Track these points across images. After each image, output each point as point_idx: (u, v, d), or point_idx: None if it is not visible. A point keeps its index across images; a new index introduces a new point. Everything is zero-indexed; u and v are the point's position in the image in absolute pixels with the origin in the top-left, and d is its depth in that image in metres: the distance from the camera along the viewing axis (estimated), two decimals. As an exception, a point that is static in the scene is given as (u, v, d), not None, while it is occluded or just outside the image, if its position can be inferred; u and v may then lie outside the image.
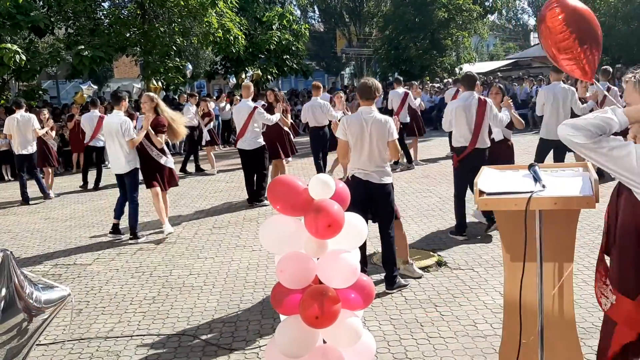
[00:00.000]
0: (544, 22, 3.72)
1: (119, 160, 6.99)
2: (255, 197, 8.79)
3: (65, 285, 3.50)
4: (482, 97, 6.46)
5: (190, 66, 20.36)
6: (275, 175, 9.34)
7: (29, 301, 1.50)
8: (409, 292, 4.92)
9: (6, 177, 13.22)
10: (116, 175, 7.23)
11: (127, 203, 7.22)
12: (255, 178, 8.78)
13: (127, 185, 7.11)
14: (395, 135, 4.86)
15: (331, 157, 10.38)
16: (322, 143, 10.07)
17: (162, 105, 7.22)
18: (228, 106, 16.27)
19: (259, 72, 21.57)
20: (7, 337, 1.42)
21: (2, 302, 1.40)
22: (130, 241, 7.13)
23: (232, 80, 21.93)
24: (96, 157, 11.89)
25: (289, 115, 10.28)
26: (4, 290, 1.43)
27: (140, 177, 7.24)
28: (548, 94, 8.02)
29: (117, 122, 6.88)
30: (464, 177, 6.31)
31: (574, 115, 8.53)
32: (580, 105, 8.12)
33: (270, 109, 9.33)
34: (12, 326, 1.45)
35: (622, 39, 22.79)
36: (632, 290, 2.22)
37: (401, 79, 12.85)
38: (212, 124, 13.40)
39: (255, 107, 8.54)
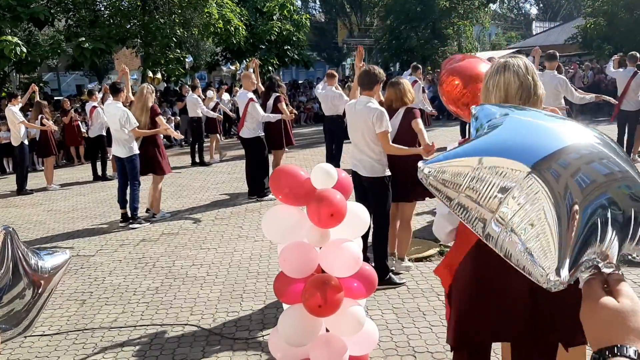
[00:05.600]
0: (442, 87, 4.11)
1: (118, 146, 7.35)
2: (256, 190, 8.71)
3: (68, 274, 3.53)
4: None
5: (190, 57, 20.28)
6: (274, 165, 9.29)
7: (36, 273, 1.60)
8: (411, 281, 4.94)
9: (7, 170, 13.23)
10: (115, 157, 7.52)
11: (127, 189, 7.42)
12: (255, 169, 8.71)
13: (127, 171, 7.37)
14: (384, 128, 4.58)
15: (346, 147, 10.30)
16: (338, 132, 9.93)
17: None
18: (227, 97, 16.22)
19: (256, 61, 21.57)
20: (17, 306, 1.52)
21: (9, 276, 1.49)
22: (130, 226, 7.28)
23: (228, 68, 21.81)
24: (99, 147, 11.80)
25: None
26: (10, 266, 1.51)
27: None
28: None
29: (115, 113, 7.25)
30: None
31: (567, 103, 8.60)
32: (577, 95, 8.14)
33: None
34: (19, 294, 1.55)
35: (625, 27, 22.58)
36: None
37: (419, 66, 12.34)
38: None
39: (250, 99, 8.41)
